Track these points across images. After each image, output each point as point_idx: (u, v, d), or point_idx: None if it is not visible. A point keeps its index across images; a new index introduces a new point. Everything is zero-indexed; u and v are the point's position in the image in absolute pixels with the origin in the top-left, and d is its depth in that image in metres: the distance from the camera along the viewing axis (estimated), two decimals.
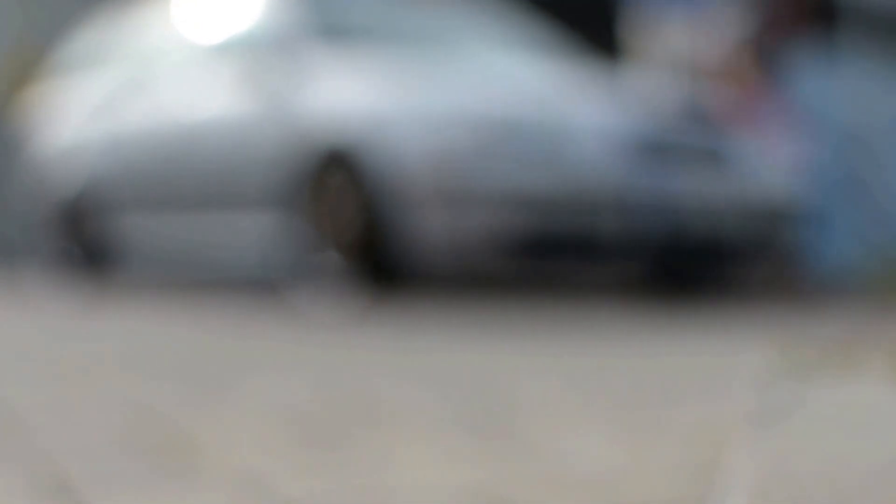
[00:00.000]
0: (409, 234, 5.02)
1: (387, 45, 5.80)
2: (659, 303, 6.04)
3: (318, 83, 5.62)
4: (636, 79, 5.88)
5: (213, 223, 6.25)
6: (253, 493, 1.07)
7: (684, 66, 8.14)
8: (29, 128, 8.39)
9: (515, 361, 2.48)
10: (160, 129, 6.72)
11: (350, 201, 5.36)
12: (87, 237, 7.45)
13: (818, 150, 6.27)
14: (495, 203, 4.82)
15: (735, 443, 1.32)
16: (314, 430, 1.43)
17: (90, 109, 7.38)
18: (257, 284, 11.04)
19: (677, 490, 1.08)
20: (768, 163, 5.70)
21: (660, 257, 5.43)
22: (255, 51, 5.91)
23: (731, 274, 6.02)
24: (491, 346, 2.96)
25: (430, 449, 1.30)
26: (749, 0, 6.66)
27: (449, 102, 5.10)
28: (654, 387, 1.96)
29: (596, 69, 6.22)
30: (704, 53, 6.96)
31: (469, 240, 4.89)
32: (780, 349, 1.96)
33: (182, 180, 6.46)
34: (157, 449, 1.30)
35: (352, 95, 5.46)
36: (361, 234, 5.35)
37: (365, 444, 1.33)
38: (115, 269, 7.18)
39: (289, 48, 5.73)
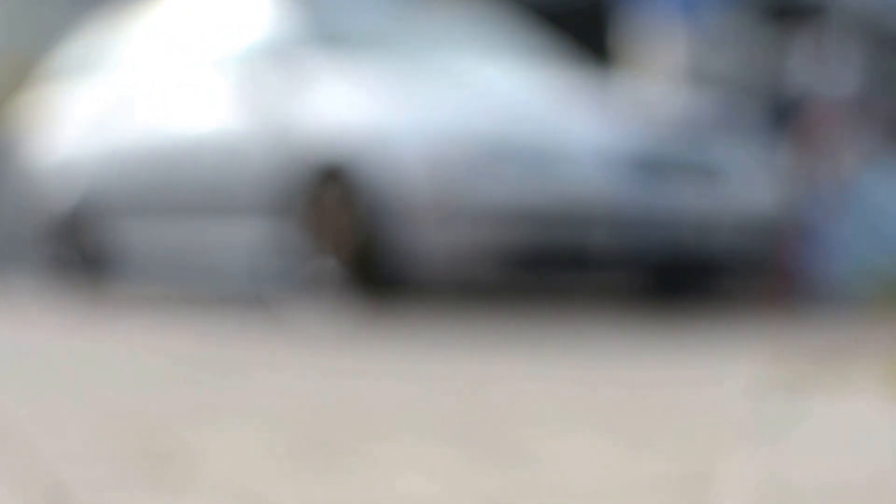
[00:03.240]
0: (405, 247, 5.02)
1: (384, 56, 5.81)
2: (653, 316, 6.03)
3: (316, 94, 5.62)
4: (631, 91, 5.87)
5: (211, 234, 6.25)
6: (247, 503, 1.07)
7: (679, 76, 8.13)
8: (22, 136, 8.38)
9: (510, 373, 2.49)
10: (157, 138, 6.72)
11: (347, 213, 5.36)
12: (83, 247, 7.43)
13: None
14: (490, 217, 4.82)
15: (728, 455, 1.33)
16: (308, 440, 1.44)
17: (85, 118, 7.36)
18: (253, 296, 10.99)
19: (671, 503, 1.08)
20: (763, 176, 5.70)
21: (654, 271, 5.43)
22: (252, 61, 5.91)
23: (724, 287, 6.01)
24: (486, 357, 2.97)
25: (425, 459, 1.31)
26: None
27: (445, 117, 5.10)
28: (647, 399, 1.97)
29: (591, 81, 6.22)
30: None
31: (464, 253, 4.90)
32: (774, 362, 1.97)
33: (178, 191, 6.46)
34: (151, 459, 1.31)
35: (349, 108, 5.46)
36: (358, 246, 5.35)
37: (360, 454, 1.33)
38: (111, 280, 7.16)
39: (287, 58, 5.73)
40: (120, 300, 7.31)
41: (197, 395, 1.96)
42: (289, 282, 5.91)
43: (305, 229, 5.53)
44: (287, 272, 5.73)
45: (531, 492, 1.14)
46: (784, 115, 6.27)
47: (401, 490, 1.14)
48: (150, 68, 6.98)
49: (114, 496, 1.09)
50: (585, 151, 5.03)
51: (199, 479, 1.19)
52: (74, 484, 1.14)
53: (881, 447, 0.95)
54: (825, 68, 6.22)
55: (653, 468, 1.27)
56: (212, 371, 2.46)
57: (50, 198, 7.53)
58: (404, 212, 5.03)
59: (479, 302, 7.62)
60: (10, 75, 10.54)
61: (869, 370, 1.37)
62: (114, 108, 7.17)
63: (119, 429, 1.54)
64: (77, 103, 7.46)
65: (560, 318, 5.79)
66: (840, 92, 6.23)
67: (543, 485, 1.17)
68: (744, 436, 1.31)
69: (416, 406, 1.85)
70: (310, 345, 3.37)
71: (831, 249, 7.98)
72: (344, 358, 2.88)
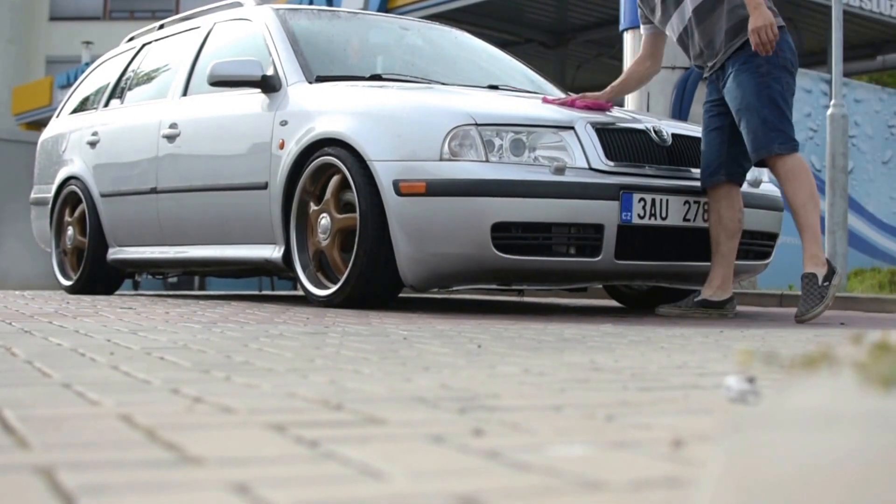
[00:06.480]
0: (393, 239, 5.03)
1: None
2: (632, 314, 6.04)
3: (306, 97, 5.71)
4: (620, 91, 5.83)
5: (203, 230, 6.28)
6: (243, 500, 1.09)
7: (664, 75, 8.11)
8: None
9: (494, 369, 2.51)
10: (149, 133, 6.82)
11: (337, 204, 5.39)
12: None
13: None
14: (473, 209, 4.82)
15: (707, 451, 1.35)
16: (303, 434, 1.45)
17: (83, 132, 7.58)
18: (240, 286, 11.00)
19: (651, 500, 1.11)
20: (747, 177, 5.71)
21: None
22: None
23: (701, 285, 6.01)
24: (471, 353, 2.98)
25: (416, 456, 1.33)
26: None
27: (425, 111, 5.14)
28: (626, 397, 1.99)
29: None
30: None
31: (450, 246, 4.90)
32: (750, 358, 1.99)
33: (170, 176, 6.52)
34: (143, 454, 1.32)
35: (338, 103, 5.49)
36: (345, 238, 5.37)
37: (353, 451, 1.35)
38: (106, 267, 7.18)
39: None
40: (112, 284, 7.28)
41: (184, 390, 1.98)
42: (279, 270, 5.93)
43: (297, 219, 5.57)
44: (277, 262, 5.75)
45: (515, 490, 1.15)
46: None
47: (394, 489, 1.16)
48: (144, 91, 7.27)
49: (106, 496, 1.11)
50: (568, 147, 5.07)
51: (191, 477, 1.20)
52: (66, 482, 1.16)
53: (861, 436, 0.97)
54: None
55: (633, 466, 1.29)
56: (200, 363, 2.47)
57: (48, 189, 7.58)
58: (390, 204, 5.04)
59: (466, 295, 7.63)
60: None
61: (844, 364, 1.40)
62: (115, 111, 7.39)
63: (111, 424, 1.56)
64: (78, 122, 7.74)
65: (541, 317, 5.80)
66: None
67: (525, 484, 1.19)
68: (723, 431, 1.34)
69: (410, 403, 1.87)
70: (300, 334, 3.38)
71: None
72: (335, 348, 2.89)
